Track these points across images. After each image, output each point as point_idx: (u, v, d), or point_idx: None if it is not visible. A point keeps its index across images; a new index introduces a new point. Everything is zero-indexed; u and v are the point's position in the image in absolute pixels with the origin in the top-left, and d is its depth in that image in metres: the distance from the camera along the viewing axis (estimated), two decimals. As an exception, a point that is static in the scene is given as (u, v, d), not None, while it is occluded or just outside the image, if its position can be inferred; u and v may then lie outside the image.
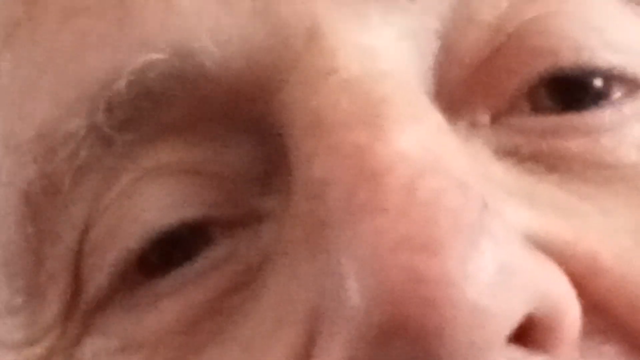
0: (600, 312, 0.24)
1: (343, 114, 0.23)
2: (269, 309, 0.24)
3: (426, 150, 0.23)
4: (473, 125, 0.25)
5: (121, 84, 0.25)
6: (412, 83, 0.25)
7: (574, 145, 0.26)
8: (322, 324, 0.23)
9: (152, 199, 0.25)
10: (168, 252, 0.25)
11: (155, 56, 0.25)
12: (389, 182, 0.22)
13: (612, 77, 0.26)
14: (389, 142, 0.23)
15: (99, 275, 0.26)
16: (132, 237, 0.26)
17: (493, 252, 0.22)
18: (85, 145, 0.25)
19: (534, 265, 0.23)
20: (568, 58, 0.26)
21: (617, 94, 0.26)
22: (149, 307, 0.26)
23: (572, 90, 0.26)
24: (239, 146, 0.25)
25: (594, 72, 0.26)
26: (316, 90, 0.24)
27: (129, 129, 0.25)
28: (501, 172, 0.25)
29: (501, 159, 0.26)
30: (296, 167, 0.24)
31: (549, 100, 0.26)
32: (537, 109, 0.26)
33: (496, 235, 0.22)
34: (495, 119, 0.26)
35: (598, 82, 0.26)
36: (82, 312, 0.26)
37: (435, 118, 0.24)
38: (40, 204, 0.26)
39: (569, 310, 0.23)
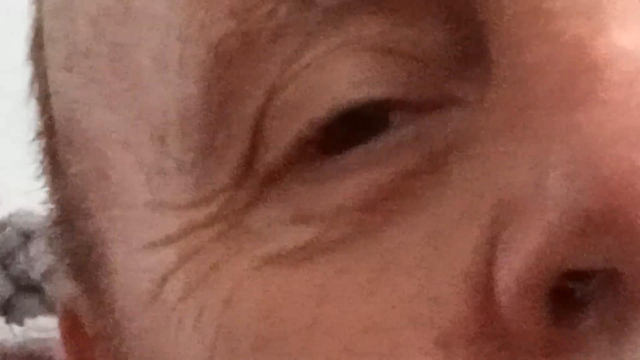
0: None
1: (562, 4, 0.23)
2: (454, 198, 0.24)
3: None
4: None
5: None
6: None
7: None
8: (514, 214, 0.22)
9: (343, 72, 0.24)
10: (351, 128, 0.25)
11: None
12: (610, 75, 0.22)
13: None
14: (610, 36, 0.22)
15: (281, 142, 0.25)
16: (319, 108, 0.25)
17: None
18: (284, 4, 0.25)
19: None
20: None
21: None
22: (328, 181, 0.25)
23: None
24: (436, 29, 0.25)
25: None
26: None
27: None
28: None
29: None
30: (504, 53, 0.23)
31: None
32: None
33: None
34: None
35: None
36: (256, 179, 0.25)
37: None
38: (231, 60, 0.25)
39: None
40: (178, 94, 0.26)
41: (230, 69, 0.25)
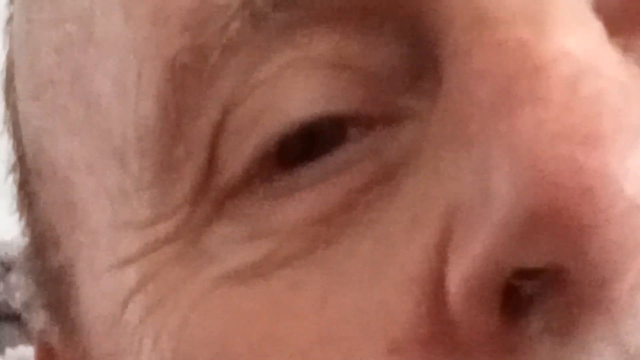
0: None
1: (507, 11, 0.23)
2: (405, 207, 0.24)
3: (589, 51, 0.23)
4: (625, 48, 0.24)
5: None
6: None
7: None
8: (460, 220, 0.23)
9: (298, 89, 0.25)
10: (307, 144, 0.25)
11: None
12: (552, 76, 0.22)
13: None
14: (553, 39, 0.22)
15: (237, 159, 0.25)
16: (274, 125, 0.25)
17: None
18: (237, 19, 0.25)
19: None
20: None
21: None
22: (284, 197, 0.25)
23: None
24: (389, 44, 0.25)
25: None
26: None
27: (283, 8, 0.25)
28: None
29: None
30: (451, 62, 0.24)
31: None
32: None
33: None
34: None
35: None
36: (214, 195, 0.26)
37: (597, 26, 0.23)
38: (186, 76, 0.26)
39: None
40: (136, 113, 0.26)
41: (185, 85, 0.26)
